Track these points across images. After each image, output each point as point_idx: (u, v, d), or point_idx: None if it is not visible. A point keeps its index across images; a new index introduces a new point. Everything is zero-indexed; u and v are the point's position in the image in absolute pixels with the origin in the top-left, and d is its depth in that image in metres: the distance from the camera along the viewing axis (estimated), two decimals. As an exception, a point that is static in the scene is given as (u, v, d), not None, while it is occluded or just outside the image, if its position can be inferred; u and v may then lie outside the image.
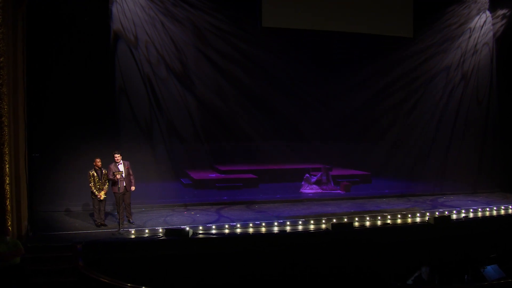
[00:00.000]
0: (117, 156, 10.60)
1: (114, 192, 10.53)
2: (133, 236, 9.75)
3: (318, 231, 10.34)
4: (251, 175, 16.57)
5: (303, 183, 15.41)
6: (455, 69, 17.50)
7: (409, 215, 11.56)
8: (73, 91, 12.25)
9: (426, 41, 16.58)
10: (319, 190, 15.20)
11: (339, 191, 15.19)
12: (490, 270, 8.14)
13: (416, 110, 20.04)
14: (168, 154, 20.08)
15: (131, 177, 10.70)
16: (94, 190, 10.46)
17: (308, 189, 15.23)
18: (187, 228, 9.84)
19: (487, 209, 12.55)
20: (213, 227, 10.32)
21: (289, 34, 16.38)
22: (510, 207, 12.69)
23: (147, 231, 9.98)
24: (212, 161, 19.55)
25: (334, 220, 10.84)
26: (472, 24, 16.40)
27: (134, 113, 18.60)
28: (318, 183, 15.47)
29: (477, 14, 16.27)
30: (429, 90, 19.15)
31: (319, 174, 15.66)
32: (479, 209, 12.46)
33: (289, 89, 21.77)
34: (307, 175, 15.50)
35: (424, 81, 19.35)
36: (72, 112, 12.49)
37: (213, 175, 16.71)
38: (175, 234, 9.67)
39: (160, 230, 9.96)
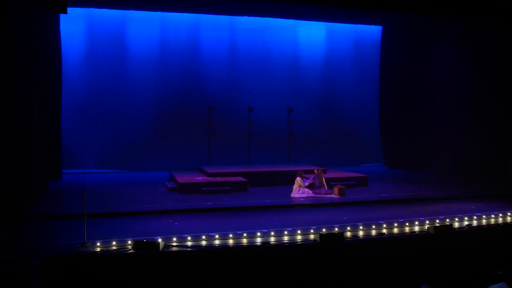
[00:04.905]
0: None
1: None
2: (98, 250, 8.74)
3: (305, 242, 9.32)
4: (240, 178, 15.59)
5: (294, 186, 14.40)
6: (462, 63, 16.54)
7: (407, 224, 10.54)
8: (46, 90, 11.32)
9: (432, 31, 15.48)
10: (312, 195, 14.20)
11: (333, 196, 14.19)
12: (498, 291, 7.15)
13: (419, 107, 19.10)
14: (152, 156, 19.29)
15: None
16: None
17: (300, 193, 14.22)
18: (159, 240, 8.86)
19: (492, 216, 11.51)
20: (189, 238, 9.31)
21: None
22: (519, 213, 11.66)
23: (114, 243, 8.97)
24: (199, 163, 18.71)
25: (324, 230, 9.83)
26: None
27: (115, 113, 17.81)
28: (310, 186, 14.47)
29: None
30: (435, 85, 18.18)
31: (311, 177, 14.65)
32: (484, 216, 11.42)
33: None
34: (299, 178, 14.48)
35: (430, 74, 18.37)
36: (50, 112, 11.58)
37: (200, 178, 15.71)
38: (144, 246, 8.69)
39: (129, 242, 8.96)
